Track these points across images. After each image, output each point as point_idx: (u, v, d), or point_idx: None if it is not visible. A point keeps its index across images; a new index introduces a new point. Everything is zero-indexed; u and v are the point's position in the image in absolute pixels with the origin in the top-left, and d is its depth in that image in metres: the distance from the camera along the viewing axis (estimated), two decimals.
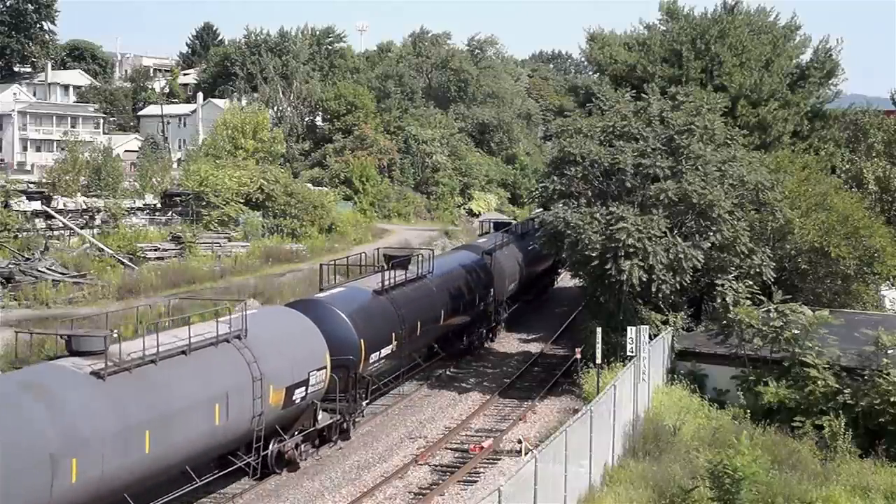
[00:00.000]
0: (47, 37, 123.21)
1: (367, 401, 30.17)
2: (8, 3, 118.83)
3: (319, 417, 26.72)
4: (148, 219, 61.09)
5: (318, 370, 26.23)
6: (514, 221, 54.85)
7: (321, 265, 34.91)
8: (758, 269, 33.22)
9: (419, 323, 32.89)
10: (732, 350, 31.19)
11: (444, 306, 35.59)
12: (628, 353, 28.63)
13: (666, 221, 32.01)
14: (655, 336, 30.92)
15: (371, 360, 29.22)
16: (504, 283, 42.94)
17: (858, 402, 27.72)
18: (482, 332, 41.67)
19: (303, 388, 25.40)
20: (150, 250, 53.02)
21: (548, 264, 52.23)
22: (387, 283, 31.82)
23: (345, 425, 28.59)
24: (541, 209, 59.10)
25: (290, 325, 26.66)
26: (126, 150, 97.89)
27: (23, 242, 49.57)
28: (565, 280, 55.08)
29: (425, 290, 34.64)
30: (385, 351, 30.18)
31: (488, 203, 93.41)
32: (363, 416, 30.28)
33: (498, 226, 51.37)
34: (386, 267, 34.11)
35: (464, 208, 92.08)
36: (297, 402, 25.33)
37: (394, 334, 30.72)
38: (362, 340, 28.24)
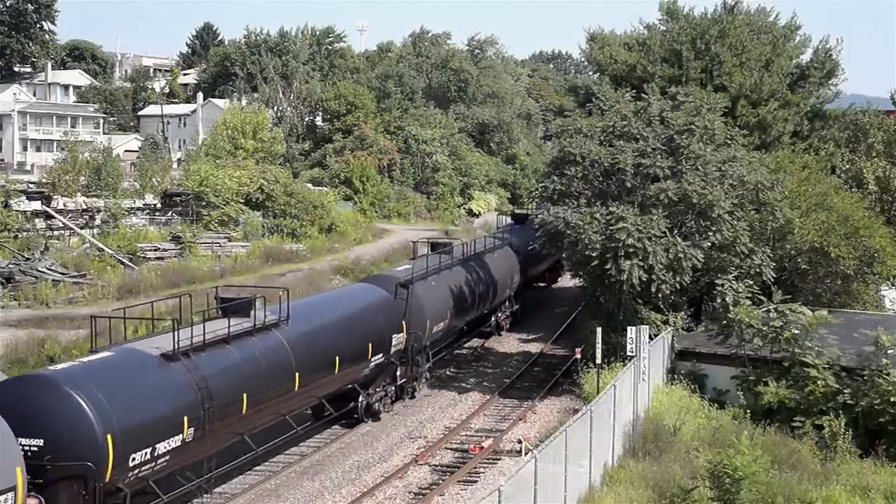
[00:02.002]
0: (47, 37, 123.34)
1: None
2: (8, 3, 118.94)
3: None
4: (148, 219, 61.14)
5: None
6: (453, 241, 43.04)
7: (93, 317, 22.79)
8: (758, 269, 33.21)
9: (246, 396, 23.04)
10: (732, 350, 31.20)
11: (304, 368, 25.48)
12: (628, 353, 28.62)
13: (666, 221, 32.02)
14: (655, 336, 30.92)
15: (134, 463, 19.70)
16: (426, 323, 33.07)
17: (858, 402, 27.72)
18: (385, 391, 31.42)
19: None
20: (150, 250, 53.08)
21: (509, 290, 44.33)
22: (188, 341, 21.89)
23: None
24: (513, 221, 53.53)
25: None
26: (126, 150, 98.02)
27: (23, 242, 49.63)
28: (565, 280, 54.98)
29: (269, 349, 24.49)
30: (167, 445, 20.48)
31: (488, 203, 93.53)
32: None
33: (435, 246, 39.71)
34: (218, 314, 24.67)
35: (464, 208, 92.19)
36: None
37: (187, 419, 20.97)
38: (110, 435, 18.93)
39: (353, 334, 28.70)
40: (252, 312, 24.91)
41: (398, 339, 31.14)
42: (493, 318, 43.14)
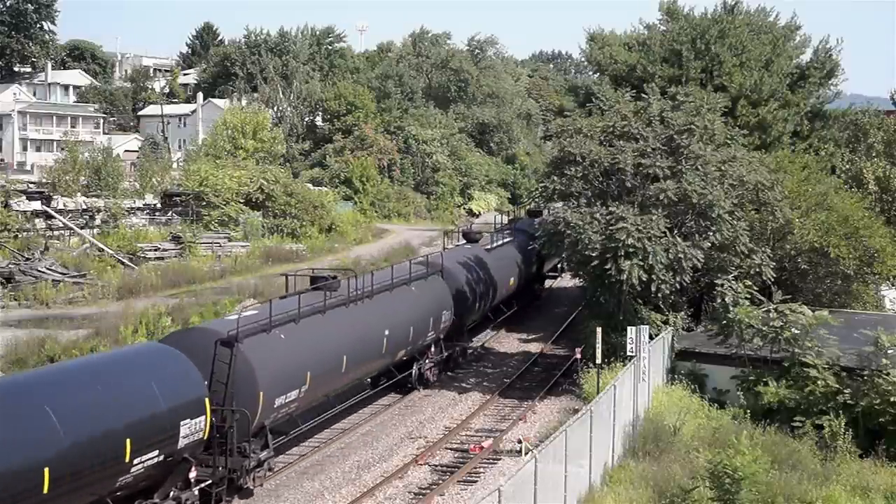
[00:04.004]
0: (47, 37, 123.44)
1: None
2: (8, 3, 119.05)
3: None
4: (148, 219, 61.19)
5: None
6: (339, 275, 30.68)
7: None
8: (758, 269, 33.23)
9: None
10: (732, 350, 31.19)
11: None
12: (628, 353, 28.61)
13: (666, 221, 32.01)
14: (655, 336, 30.92)
15: None
16: (258, 396, 23.14)
17: (858, 402, 27.71)
18: (178, 501, 21.59)
19: None
20: (150, 250, 53.11)
21: (435, 332, 34.36)
22: None
23: None
24: (465, 241, 44.42)
25: None
26: (126, 150, 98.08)
27: (23, 242, 49.67)
28: (565, 280, 54.94)
29: None
30: None
31: (488, 203, 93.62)
32: None
33: (315, 281, 29.02)
34: None
35: (464, 208, 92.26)
36: None
37: None
38: None
39: (88, 433, 18.51)
40: None
41: (193, 427, 21.20)
42: (414, 367, 33.84)
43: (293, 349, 25.05)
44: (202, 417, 21.57)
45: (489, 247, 43.14)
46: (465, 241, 44.97)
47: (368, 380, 32.51)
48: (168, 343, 23.14)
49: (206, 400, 21.81)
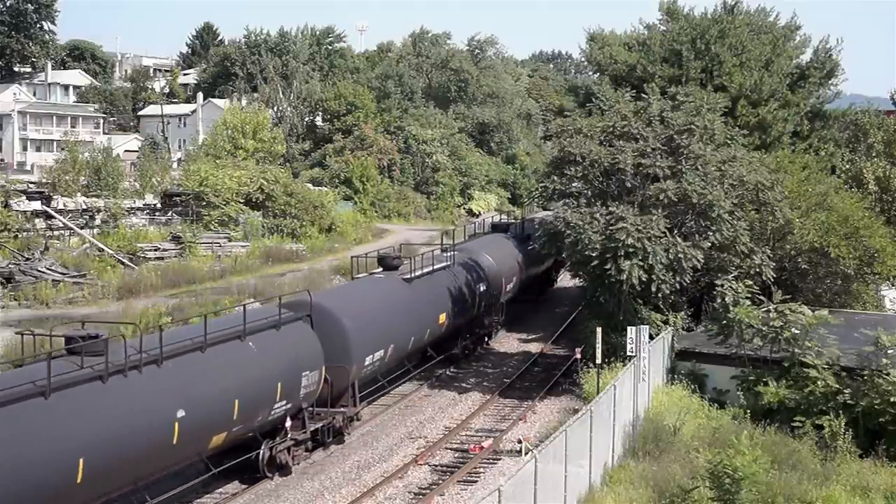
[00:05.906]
0: (47, 37, 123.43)
1: None
2: (8, 3, 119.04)
3: None
4: (148, 219, 61.24)
5: None
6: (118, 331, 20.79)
7: None
8: (758, 269, 33.21)
9: None
10: (732, 350, 31.18)
11: None
12: (628, 353, 28.59)
13: (666, 221, 31.99)
14: (655, 336, 30.91)
15: None
16: None
17: (858, 402, 27.69)
18: None
19: None
20: (150, 250, 53.14)
21: (290, 402, 24.63)
22: None
23: None
24: (381, 268, 34.64)
25: None
26: (126, 150, 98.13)
27: (23, 242, 49.71)
28: (565, 280, 54.93)
29: None
30: None
31: (488, 203, 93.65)
32: None
33: (70, 341, 19.18)
34: None
35: (464, 208, 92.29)
36: None
37: None
38: None
39: None
40: None
41: None
42: (263, 449, 24.58)
43: None
44: None
45: (409, 276, 33.72)
46: (380, 269, 35.08)
47: (205, 460, 22.67)
48: None
49: None
